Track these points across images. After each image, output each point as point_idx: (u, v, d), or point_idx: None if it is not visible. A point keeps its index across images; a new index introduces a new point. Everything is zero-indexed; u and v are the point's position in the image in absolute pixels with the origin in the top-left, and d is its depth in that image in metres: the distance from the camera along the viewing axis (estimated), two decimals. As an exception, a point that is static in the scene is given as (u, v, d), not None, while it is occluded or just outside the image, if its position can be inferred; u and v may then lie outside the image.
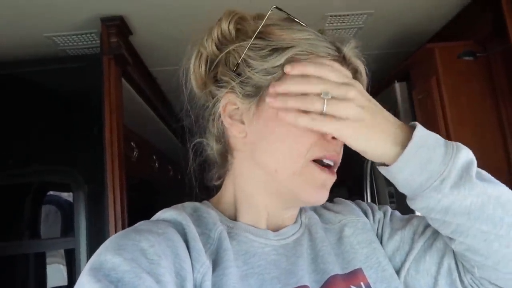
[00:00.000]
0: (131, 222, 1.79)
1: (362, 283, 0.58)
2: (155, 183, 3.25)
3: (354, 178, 3.05)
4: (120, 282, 0.42)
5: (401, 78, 2.26)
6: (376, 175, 2.60)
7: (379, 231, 0.67)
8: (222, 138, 0.63)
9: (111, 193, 1.65)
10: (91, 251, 1.74)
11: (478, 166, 0.54)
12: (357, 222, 0.67)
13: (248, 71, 0.57)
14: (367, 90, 0.57)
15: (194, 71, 0.63)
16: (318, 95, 0.51)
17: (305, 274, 0.56)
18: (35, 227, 2.18)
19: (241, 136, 0.59)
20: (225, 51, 0.60)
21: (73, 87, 1.93)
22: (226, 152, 0.63)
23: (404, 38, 2.29)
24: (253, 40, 0.58)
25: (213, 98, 0.61)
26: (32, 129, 1.86)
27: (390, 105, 2.30)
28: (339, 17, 1.99)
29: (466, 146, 0.53)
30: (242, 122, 0.59)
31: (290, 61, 0.56)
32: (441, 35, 2.21)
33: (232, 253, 0.53)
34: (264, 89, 0.57)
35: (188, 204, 0.60)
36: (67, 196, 2.79)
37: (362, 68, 0.61)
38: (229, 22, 0.61)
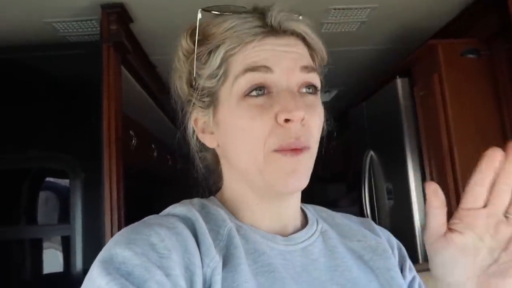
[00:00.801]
0: (128, 211, 1.79)
1: None
2: (153, 172, 3.25)
3: (353, 173, 3.05)
4: (131, 276, 0.43)
5: (403, 74, 2.24)
6: (375, 171, 2.60)
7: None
8: (207, 152, 0.65)
9: (108, 182, 1.65)
10: (86, 239, 1.74)
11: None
12: (376, 248, 0.64)
13: (201, 82, 0.58)
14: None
15: (176, 92, 0.64)
16: None
17: (319, 283, 0.56)
18: (32, 213, 2.18)
19: (215, 146, 0.61)
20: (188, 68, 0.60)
21: (72, 73, 1.92)
22: (217, 160, 0.65)
23: (407, 34, 2.27)
24: (197, 49, 0.58)
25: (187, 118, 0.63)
26: (31, 114, 1.86)
27: (391, 101, 2.29)
28: (342, 11, 1.97)
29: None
30: (212, 133, 0.60)
31: (225, 60, 0.56)
32: (444, 32, 2.19)
33: (243, 251, 0.53)
34: (215, 94, 0.58)
35: (196, 201, 0.60)
36: (65, 182, 2.79)
37: (301, 28, 0.57)
38: (186, 37, 0.60)
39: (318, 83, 0.58)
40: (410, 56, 2.19)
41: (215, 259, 0.50)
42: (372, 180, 2.61)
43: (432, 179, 2.06)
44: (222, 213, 0.58)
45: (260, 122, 0.53)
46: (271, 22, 0.55)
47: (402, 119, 2.20)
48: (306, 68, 0.56)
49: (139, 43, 2.19)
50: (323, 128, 0.59)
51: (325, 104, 0.60)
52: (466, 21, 2.01)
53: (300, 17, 0.59)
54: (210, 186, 0.68)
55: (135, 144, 2.46)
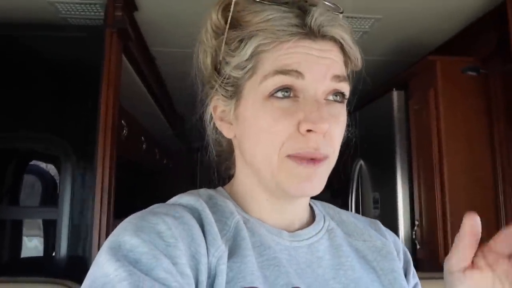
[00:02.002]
0: (116, 200, 1.76)
1: None
2: (140, 164, 3.22)
3: (340, 180, 3.07)
4: (138, 263, 0.43)
5: (399, 87, 2.28)
6: (363, 179, 2.62)
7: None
8: (223, 138, 0.64)
9: (101, 167, 1.63)
10: (73, 224, 1.71)
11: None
12: (381, 249, 0.64)
13: (227, 69, 0.56)
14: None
15: (199, 66, 0.62)
16: None
17: (323, 280, 0.56)
18: (15, 193, 2.14)
19: (231, 136, 0.60)
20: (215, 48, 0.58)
21: (71, 56, 1.89)
22: (232, 148, 0.64)
23: (407, 48, 2.31)
24: (227, 32, 0.55)
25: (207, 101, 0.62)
26: (25, 94, 1.83)
27: (386, 112, 2.32)
28: (346, 19, 1.97)
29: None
30: (230, 123, 0.59)
31: (256, 54, 0.53)
32: (444, 48, 2.24)
33: (250, 243, 0.53)
34: (240, 87, 0.56)
35: (203, 192, 0.60)
36: (45, 167, 2.76)
37: (340, 34, 0.54)
38: (218, 11, 0.57)
39: (347, 92, 0.57)
40: (408, 69, 2.23)
41: (220, 248, 0.50)
42: (360, 188, 2.63)
43: (419, 192, 2.09)
44: (230, 205, 0.58)
45: (281, 127, 0.52)
46: (310, 24, 0.52)
47: (394, 131, 2.23)
48: (337, 78, 0.54)
49: (141, 33, 2.17)
50: (343, 135, 0.58)
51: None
52: (466, 39, 2.05)
53: (341, 15, 0.56)
54: (221, 173, 0.67)
55: (126, 134, 2.44)
